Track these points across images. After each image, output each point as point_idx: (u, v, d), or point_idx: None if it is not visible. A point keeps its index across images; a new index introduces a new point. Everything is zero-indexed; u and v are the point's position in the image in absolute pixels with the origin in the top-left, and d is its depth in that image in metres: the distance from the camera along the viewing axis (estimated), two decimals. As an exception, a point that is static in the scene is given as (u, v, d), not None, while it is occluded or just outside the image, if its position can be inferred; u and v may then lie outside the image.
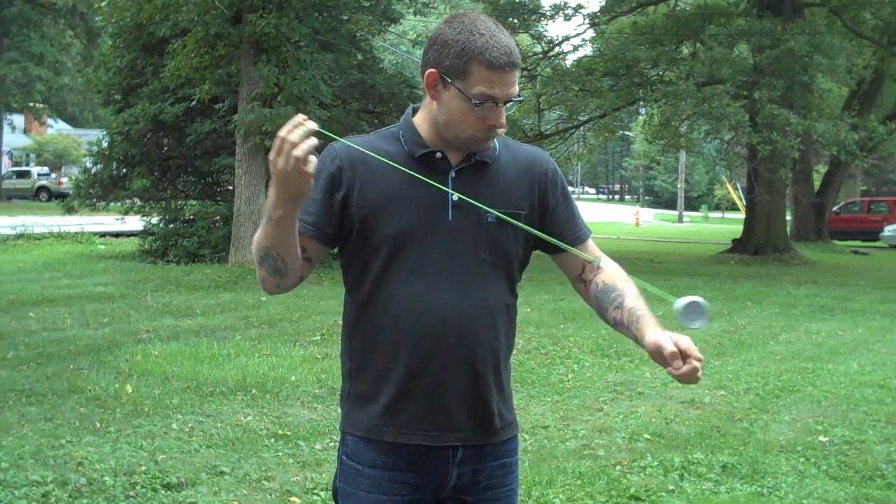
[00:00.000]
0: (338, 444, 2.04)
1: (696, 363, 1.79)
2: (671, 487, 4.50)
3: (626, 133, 54.45)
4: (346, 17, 16.67)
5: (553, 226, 2.01)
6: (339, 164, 1.89)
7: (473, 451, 1.96)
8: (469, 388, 1.93)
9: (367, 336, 1.92)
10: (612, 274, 2.04)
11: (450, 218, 1.89)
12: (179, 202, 16.93)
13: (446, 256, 1.89)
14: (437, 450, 1.92)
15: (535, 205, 1.99)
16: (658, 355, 1.82)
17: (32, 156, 48.29)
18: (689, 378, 1.80)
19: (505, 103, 1.85)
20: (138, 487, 4.21)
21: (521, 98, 1.92)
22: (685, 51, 19.86)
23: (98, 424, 5.19)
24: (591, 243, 2.08)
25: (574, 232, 2.04)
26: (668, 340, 1.80)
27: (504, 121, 1.87)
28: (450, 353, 1.88)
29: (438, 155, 1.91)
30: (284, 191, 1.70)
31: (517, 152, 2.03)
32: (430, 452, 1.92)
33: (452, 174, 1.91)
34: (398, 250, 1.87)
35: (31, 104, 38.17)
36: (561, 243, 1.98)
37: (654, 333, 1.85)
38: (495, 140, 1.97)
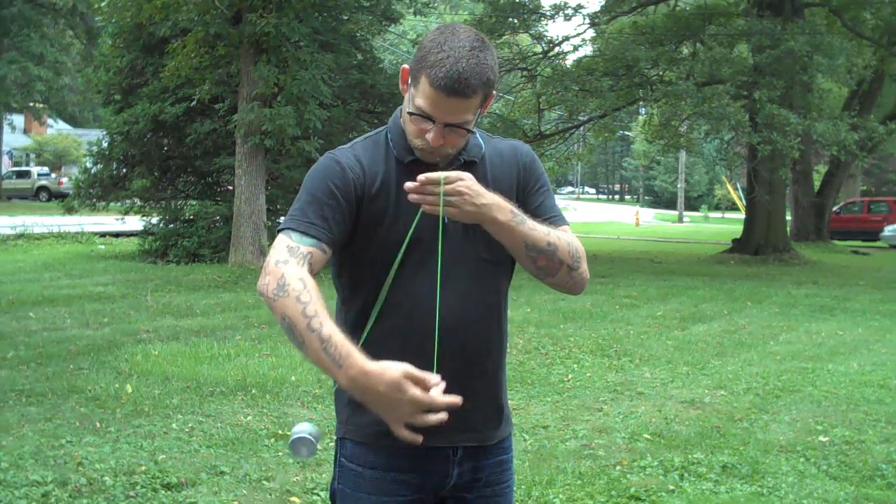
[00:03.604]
0: (334, 445, 2.04)
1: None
2: (671, 487, 4.50)
3: (626, 133, 54.45)
4: (346, 17, 16.69)
5: (531, 211, 1.95)
6: (351, 174, 1.87)
7: (473, 450, 1.96)
8: (481, 387, 1.94)
9: (368, 342, 1.89)
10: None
11: (446, 220, 1.89)
12: (179, 202, 16.94)
13: (447, 259, 1.88)
14: (440, 449, 1.93)
15: (517, 193, 1.98)
16: None
17: (32, 156, 48.29)
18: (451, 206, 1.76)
19: (447, 126, 1.80)
20: (138, 487, 4.22)
21: (473, 131, 1.86)
22: (685, 51, 19.85)
23: (98, 424, 5.19)
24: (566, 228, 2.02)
25: (551, 216, 1.98)
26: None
27: (439, 141, 1.82)
28: (460, 354, 1.88)
29: None
30: (373, 407, 1.68)
31: (499, 147, 2.02)
32: (433, 452, 1.92)
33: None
34: (401, 256, 1.87)
35: (31, 104, 38.18)
36: None
37: None
38: (479, 138, 1.97)
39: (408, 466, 1.91)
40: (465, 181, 1.76)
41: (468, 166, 1.94)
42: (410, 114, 1.83)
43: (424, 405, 1.62)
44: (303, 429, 1.82)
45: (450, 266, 1.89)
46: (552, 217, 1.98)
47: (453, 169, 1.91)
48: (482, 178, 1.94)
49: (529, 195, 1.99)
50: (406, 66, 1.88)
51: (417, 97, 1.81)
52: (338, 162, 1.88)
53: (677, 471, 4.73)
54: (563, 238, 1.91)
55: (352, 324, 1.94)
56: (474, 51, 1.79)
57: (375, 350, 1.87)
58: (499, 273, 1.97)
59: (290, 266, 1.75)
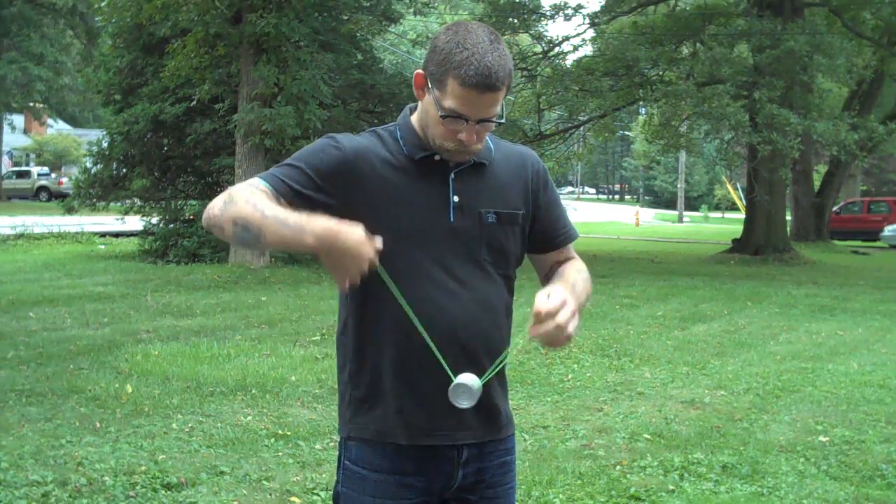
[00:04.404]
0: (337, 447, 2.03)
1: (558, 322, 1.74)
2: (671, 487, 4.50)
3: (626, 133, 54.45)
4: (346, 17, 16.68)
5: (544, 225, 2.04)
6: (346, 154, 1.87)
7: (477, 451, 1.96)
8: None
9: (369, 339, 1.90)
10: (573, 266, 2.08)
11: (451, 220, 1.89)
12: (179, 202, 16.94)
13: (448, 257, 1.89)
14: (444, 451, 1.92)
15: (530, 204, 2.01)
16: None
17: (32, 156, 48.28)
18: (551, 340, 1.77)
19: (479, 122, 1.82)
20: (138, 487, 4.21)
21: (502, 121, 1.87)
22: (685, 51, 19.86)
23: (98, 424, 5.19)
24: (571, 245, 2.13)
25: (565, 232, 2.09)
26: (540, 298, 1.77)
27: (473, 139, 1.84)
28: (459, 353, 1.88)
29: (437, 157, 1.91)
30: (332, 263, 1.72)
31: (507, 152, 2.03)
32: (437, 454, 1.92)
33: (452, 176, 1.91)
34: (400, 252, 1.86)
35: (31, 104, 38.19)
36: None
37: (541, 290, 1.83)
38: (489, 140, 1.97)
39: (413, 469, 1.91)
40: (571, 306, 1.77)
41: (478, 167, 1.94)
42: (443, 116, 1.81)
43: (370, 266, 1.71)
44: (467, 378, 1.79)
45: (449, 265, 1.89)
46: (565, 231, 2.07)
47: (463, 168, 1.92)
48: (491, 180, 1.96)
49: (545, 208, 2.03)
50: (420, 71, 1.86)
51: (446, 99, 1.80)
52: (334, 144, 1.89)
53: (677, 471, 4.73)
54: (587, 282, 2.01)
55: (354, 320, 1.94)
56: (493, 43, 1.81)
57: (374, 348, 1.89)
58: (499, 276, 1.97)
59: (240, 188, 1.79)
